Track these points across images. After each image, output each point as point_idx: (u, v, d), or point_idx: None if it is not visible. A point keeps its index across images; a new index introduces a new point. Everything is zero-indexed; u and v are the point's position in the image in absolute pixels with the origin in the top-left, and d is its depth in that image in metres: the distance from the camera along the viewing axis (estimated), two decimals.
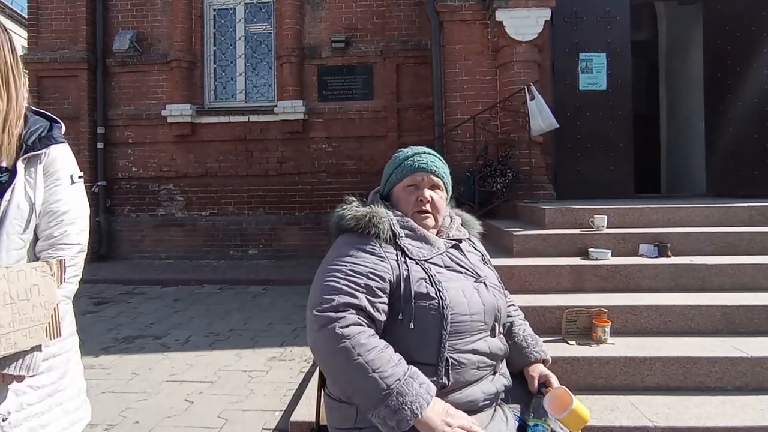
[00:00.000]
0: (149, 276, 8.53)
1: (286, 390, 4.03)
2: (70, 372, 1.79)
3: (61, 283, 1.64)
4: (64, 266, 1.66)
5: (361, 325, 1.59)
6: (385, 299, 1.67)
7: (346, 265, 1.69)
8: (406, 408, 1.45)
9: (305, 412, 3.22)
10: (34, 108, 1.77)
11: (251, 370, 4.47)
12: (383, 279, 1.68)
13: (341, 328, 1.55)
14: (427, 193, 1.90)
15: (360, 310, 1.61)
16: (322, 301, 1.61)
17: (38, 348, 1.60)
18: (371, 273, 1.67)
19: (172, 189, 10.08)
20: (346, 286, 1.63)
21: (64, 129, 1.80)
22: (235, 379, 4.26)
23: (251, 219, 9.89)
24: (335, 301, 1.60)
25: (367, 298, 1.63)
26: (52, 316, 1.58)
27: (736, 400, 3.24)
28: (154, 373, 4.42)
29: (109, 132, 10.02)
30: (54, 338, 1.61)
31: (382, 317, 1.66)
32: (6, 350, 1.49)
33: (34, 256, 1.68)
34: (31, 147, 1.66)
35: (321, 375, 1.96)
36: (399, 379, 1.49)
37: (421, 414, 1.46)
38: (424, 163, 1.92)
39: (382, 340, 1.60)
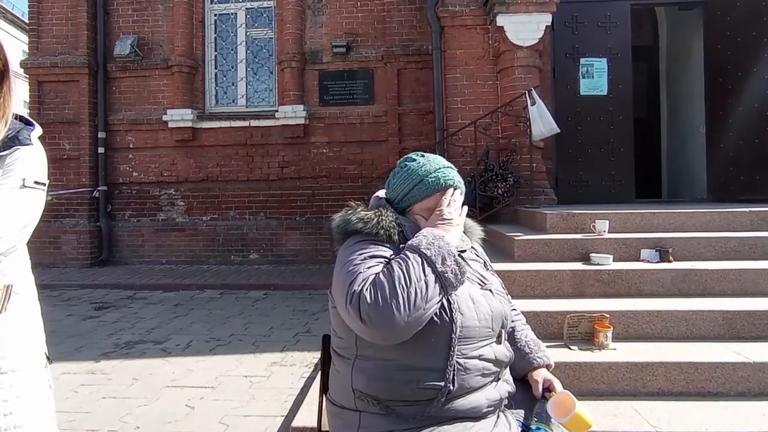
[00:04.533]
0: (150, 281, 8.52)
1: (287, 395, 4.02)
2: (24, 397, 1.57)
3: (2, 310, 1.50)
4: (9, 294, 1.52)
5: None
6: None
7: (363, 253, 1.64)
8: (440, 246, 1.59)
9: (306, 417, 3.20)
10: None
11: (252, 376, 4.46)
12: None
13: (363, 284, 1.53)
14: None
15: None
16: (347, 288, 1.56)
17: None
18: (390, 257, 1.64)
19: (173, 194, 10.08)
20: (368, 267, 1.60)
21: (38, 132, 1.68)
22: (236, 385, 4.25)
23: (252, 224, 9.89)
24: (358, 277, 1.56)
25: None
26: None
27: (738, 405, 3.24)
28: (154, 379, 4.41)
29: (110, 137, 10.04)
30: None
31: None
32: None
33: None
34: None
35: (322, 380, 1.96)
36: (416, 248, 1.59)
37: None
38: (450, 179, 1.82)
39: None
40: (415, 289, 1.49)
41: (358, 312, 1.49)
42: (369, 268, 1.59)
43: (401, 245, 1.70)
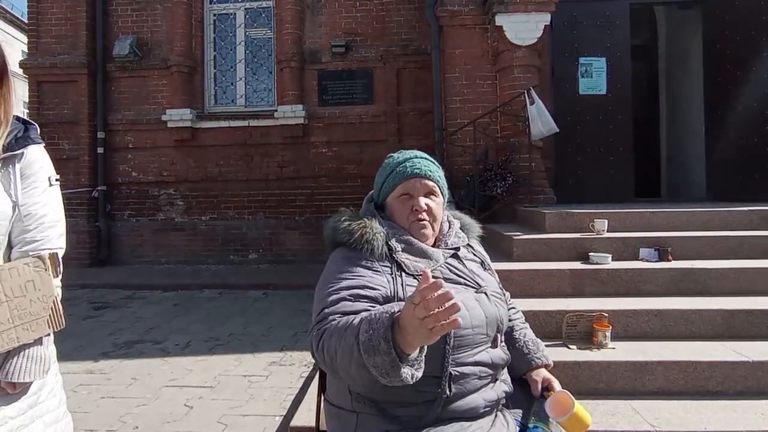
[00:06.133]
0: (149, 281, 8.52)
1: (286, 395, 4.02)
2: (49, 383, 1.75)
3: (57, 275, 1.64)
4: (58, 259, 1.66)
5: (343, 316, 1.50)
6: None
7: (340, 282, 1.63)
8: (379, 322, 1.32)
9: (305, 417, 3.20)
10: None
11: (251, 375, 4.46)
12: (378, 291, 1.61)
13: (324, 326, 1.49)
14: (422, 201, 1.81)
15: (348, 314, 1.52)
16: (315, 318, 1.58)
17: (45, 349, 1.66)
18: (367, 285, 1.61)
19: (173, 194, 10.07)
20: (338, 300, 1.57)
21: (39, 131, 1.76)
22: (234, 384, 4.26)
23: (251, 223, 9.89)
24: (323, 314, 1.55)
25: (361, 306, 1.55)
26: (52, 308, 1.61)
27: (737, 404, 3.23)
28: (153, 378, 4.41)
29: (109, 137, 10.01)
30: (57, 328, 1.64)
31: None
32: (9, 344, 1.53)
33: (9, 260, 1.64)
34: (7, 147, 1.63)
35: (321, 380, 1.96)
36: (362, 318, 1.38)
37: (393, 317, 1.30)
38: (417, 168, 1.83)
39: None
40: (342, 367, 1.41)
41: (310, 345, 1.53)
42: (337, 303, 1.56)
43: (385, 256, 1.72)
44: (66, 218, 1.83)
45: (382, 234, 1.75)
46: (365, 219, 1.79)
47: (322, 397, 1.90)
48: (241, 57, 10.14)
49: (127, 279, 8.67)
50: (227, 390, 4.14)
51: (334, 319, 1.49)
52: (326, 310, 1.55)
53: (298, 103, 9.57)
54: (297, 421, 3.21)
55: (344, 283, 1.62)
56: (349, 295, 1.58)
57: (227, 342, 5.43)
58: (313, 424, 2.06)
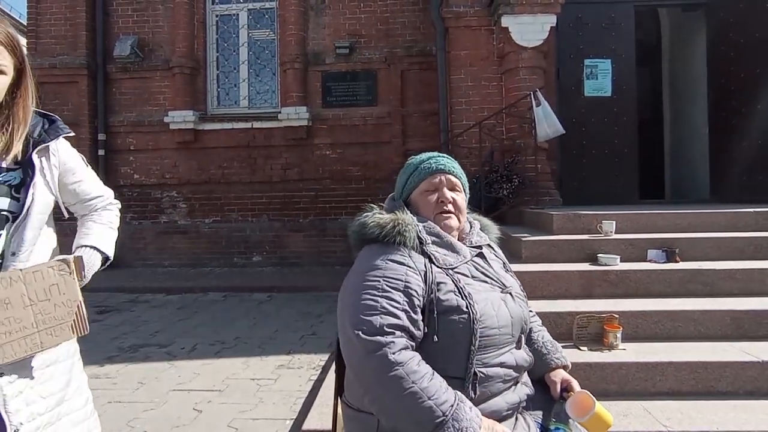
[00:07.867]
0: (153, 284, 8.49)
1: (295, 398, 4.01)
2: (75, 380, 1.77)
3: (81, 279, 1.65)
4: (82, 263, 1.68)
5: (410, 349, 1.54)
6: (420, 315, 1.61)
7: (379, 281, 1.61)
8: None
9: (317, 420, 3.19)
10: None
11: (259, 378, 4.45)
12: (417, 293, 1.61)
13: (393, 354, 1.49)
14: (448, 193, 1.85)
15: (404, 330, 1.55)
16: (364, 323, 1.53)
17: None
18: (407, 287, 1.60)
19: (175, 196, 10.05)
20: (388, 304, 1.56)
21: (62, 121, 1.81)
22: (243, 388, 4.24)
23: (255, 226, 9.87)
24: (378, 323, 1.53)
25: (408, 317, 1.56)
26: (76, 313, 1.61)
27: (748, 404, 3.25)
28: (160, 383, 4.40)
29: (110, 139, 9.98)
30: (81, 334, 1.65)
31: (421, 334, 1.60)
32: (32, 350, 1.53)
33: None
34: (40, 140, 1.66)
35: (338, 383, 1.93)
36: (452, 405, 1.46)
37: None
38: (441, 165, 1.88)
39: (428, 365, 1.55)
40: (385, 409, 1.54)
41: (366, 352, 1.51)
42: (389, 311, 1.56)
43: (416, 249, 1.71)
44: (67, 221, 1.89)
45: (413, 226, 1.75)
46: (396, 212, 1.79)
47: (339, 400, 1.88)
48: (244, 58, 10.12)
49: (131, 282, 8.63)
50: (236, 394, 4.13)
51: (398, 344, 1.52)
52: (375, 322, 1.54)
53: (301, 105, 9.54)
54: (309, 425, 3.20)
55: (383, 284, 1.61)
56: (396, 303, 1.58)
57: (234, 345, 5.41)
58: (324, 427, 2.05)
